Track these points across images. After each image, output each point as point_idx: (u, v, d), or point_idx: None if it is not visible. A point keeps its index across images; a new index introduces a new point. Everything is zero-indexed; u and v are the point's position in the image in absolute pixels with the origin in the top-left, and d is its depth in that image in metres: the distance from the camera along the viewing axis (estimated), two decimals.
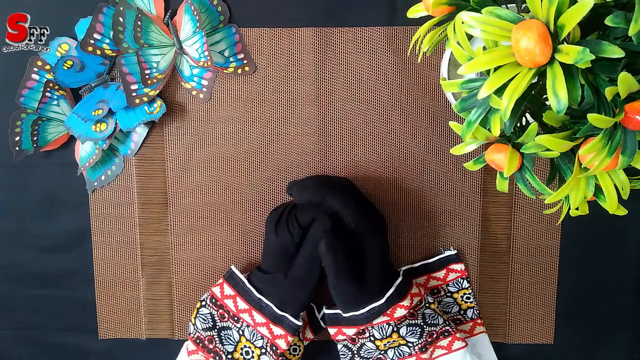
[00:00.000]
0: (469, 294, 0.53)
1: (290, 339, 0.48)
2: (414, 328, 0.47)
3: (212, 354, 0.49)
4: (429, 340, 0.47)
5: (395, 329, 0.47)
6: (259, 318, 0.48)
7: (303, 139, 0.52)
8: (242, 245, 0.54)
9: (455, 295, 0.53)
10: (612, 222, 0.52)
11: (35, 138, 0.51)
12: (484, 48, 0.30)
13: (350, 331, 0.48)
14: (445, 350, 0.48)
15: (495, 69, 0.28)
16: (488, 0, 0.32)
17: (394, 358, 0.48)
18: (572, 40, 0.28)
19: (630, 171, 0.32)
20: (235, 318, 0.49)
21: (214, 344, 0.49)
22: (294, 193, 0.49)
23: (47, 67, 0.51)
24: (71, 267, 0.55)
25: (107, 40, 0.50)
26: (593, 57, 0.25)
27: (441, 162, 0.52)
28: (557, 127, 0.32)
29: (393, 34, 0.50)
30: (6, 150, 0.51)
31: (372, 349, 0.48)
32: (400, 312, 0.46)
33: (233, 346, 0.49)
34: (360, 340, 0.49)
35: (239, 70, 0.51)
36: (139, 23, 0.49)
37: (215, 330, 0.49)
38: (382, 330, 0.47)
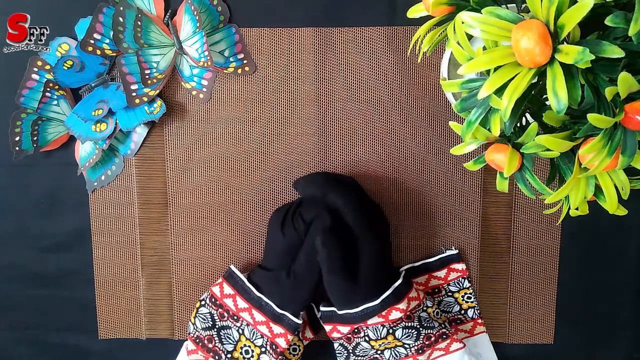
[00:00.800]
0: (470, 293, 0.53)
1: (290, 337, 0.48)
2: (410, 331, 0.47)
3: (211, 354, 0.49)
4: (427, 343, 0.47)
5: (390, 330, 0.47)
6: (259, 317, 0.48)
7: (303, 138, 0.52)
8: (242, 245, 0.54)
9: (456, 295, 0.53)
10: (612, 222, 0.52)
11: (35, 138, 0.51)
12: (484, 48, 0.30)
13: (345, 329, 0.48)
14: (442, 351, 0.48)
15: (495, 69, 0.28)
16: (488, 0, 0.32)
17: (390, 358, 0.48)
18: (572, 40, 0.28)
19: (630, 171, 0.32)
20: (235, 317, 0.49)
21: (213, 343, 0.49)
22: (300, 187, 0.50)
23: (47, 67, 0.51)
24: (71, 267, 0.55)
25: (107, 40, 0.50)
26: (593, 57, 0.25)
27: (441, 162, 0.52)
28: (557, 127, 0.32)
29: (393, 34, 0.50)
30: (6, 150, 0.51)
31: (367, 348, 0.48)
32: (395, 314, 0.46)
33: (233, 345, 0.49)
34: (355, 339, 0.49)
35: (239, 70, 0.51)
36: (139, 23, 0.49)
37: (215, 329, 0.49)
38: (376, 332, 0.47)
